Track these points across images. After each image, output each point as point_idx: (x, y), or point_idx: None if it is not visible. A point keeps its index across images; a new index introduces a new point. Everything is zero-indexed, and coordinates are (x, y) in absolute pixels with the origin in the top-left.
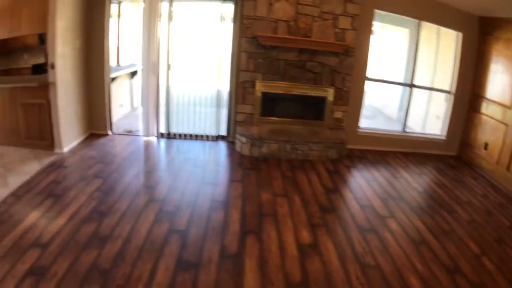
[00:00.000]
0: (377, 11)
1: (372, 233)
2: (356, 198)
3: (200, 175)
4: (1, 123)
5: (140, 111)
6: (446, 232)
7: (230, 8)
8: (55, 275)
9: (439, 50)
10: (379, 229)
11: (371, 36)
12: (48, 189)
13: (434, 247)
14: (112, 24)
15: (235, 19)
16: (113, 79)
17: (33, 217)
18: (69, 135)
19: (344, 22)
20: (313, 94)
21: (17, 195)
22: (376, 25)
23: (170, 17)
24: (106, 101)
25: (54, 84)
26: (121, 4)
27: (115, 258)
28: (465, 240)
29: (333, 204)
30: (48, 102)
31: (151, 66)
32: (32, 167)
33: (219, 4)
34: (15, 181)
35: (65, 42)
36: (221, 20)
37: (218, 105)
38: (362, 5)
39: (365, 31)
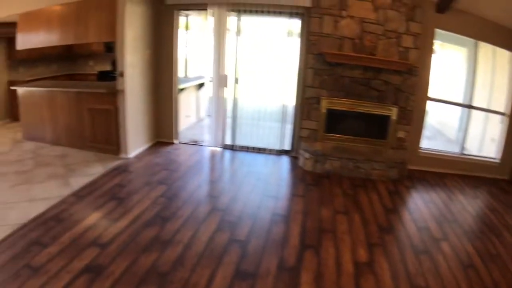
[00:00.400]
0: (437, 30)
1: (426, 255)
2: (414, 219)
3: (262, 188)
4: (67, 125)
5: (206, 122)
6: (493, 256)
7: (297, 24)
8: (112, 274)
9: (495, 70)
10: (433, 251)
11: (433, 55)
12: (111, 191)
13: (480, 271)
14: (181, 36)
15: (301, 35)
16: (181, 90)
17: (94, 218)
18: (135, 141)
19: (407, 41)
20: (377, 113)
21: (79, 195)
22: (436, 44)
23: (238, 31)
24: (174, 111)
25: (122, 91)
26: (189, 17)
27: (175, 262)
28: (508, 264)
29: (391, 224)
30: (116, 109)
31: (220, 79)
32: (96, 170)
33: (286, 19)
34: (77, 181)
35: (134, 52)
36: (288, 36)
37: (283, 120)
38: (423, 24)
39: (427, 50)
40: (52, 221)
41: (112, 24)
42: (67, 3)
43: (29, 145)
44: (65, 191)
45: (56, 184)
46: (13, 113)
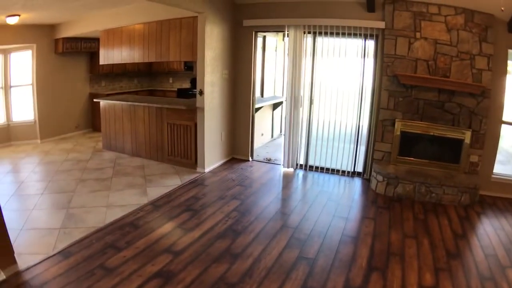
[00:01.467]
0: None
1: (491, 282)
2: (482, 246)
3: (333, 209)
4: (147, 138)
5: (279, 141)
6: None
7: (371, 45)
8: (182, 281)
9: None
10: (498, 278)
11: (507, 77)
12: (187, 203)
13: None
14: (258, 57)
15: (375, 57)
16: (257, 109)
17: (168, 226)
18: (211, 156)
19: (481, 62)
20: (450, 136)
21: (156, 205)
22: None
23: (313, 52)
24: (250, 129)
25: (202, 109)
26: (266, 38)
27: (244, 274)
28: None
29: (459, 250)
30: (195, 125)
31: (295, 99)
32: (173, 182)
33: (361, 41)
34: (155, 192)
35: (214, 71)
36: (363, 57)
37: (356, 142)
38: (496, 45)
39: (500, 72)
40: (128, 227)
41: (192, 44)
42: (148, 22)
43: (109, 155)
44: (143, 200)
45: (134, 192)
46: (94, 124)
